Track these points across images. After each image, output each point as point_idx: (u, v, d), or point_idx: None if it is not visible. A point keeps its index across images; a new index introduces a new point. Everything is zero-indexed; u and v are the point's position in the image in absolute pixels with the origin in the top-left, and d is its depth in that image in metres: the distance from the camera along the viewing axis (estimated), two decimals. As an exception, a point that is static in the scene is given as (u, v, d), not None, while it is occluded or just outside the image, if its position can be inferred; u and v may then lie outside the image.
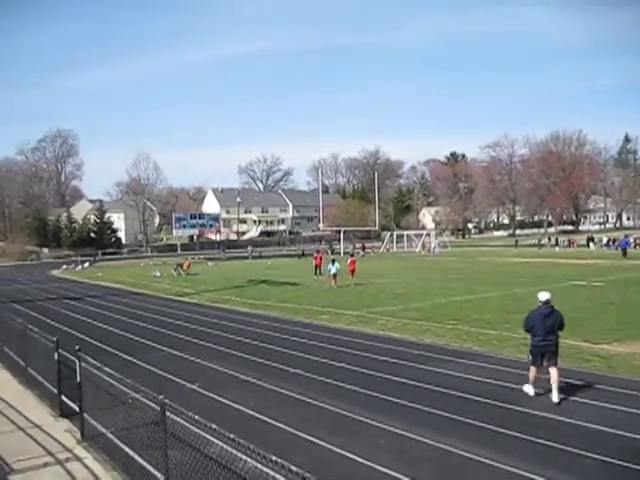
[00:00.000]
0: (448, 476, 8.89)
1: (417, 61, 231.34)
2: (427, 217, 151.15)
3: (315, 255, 48.83)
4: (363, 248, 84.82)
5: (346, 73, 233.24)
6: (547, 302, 12.50)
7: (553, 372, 12.28)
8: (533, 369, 12.60)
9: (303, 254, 77.14)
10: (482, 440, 10.07)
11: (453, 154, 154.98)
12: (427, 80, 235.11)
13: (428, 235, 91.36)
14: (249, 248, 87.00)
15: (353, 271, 37.97)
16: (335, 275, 37.13)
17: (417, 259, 67.71)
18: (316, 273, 44.83)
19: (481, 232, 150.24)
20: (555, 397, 12.12)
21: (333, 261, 38.32)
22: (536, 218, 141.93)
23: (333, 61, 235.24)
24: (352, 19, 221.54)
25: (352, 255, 46.10)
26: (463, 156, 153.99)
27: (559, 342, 12.57)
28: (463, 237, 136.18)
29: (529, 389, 12.66)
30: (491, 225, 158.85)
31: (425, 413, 11.64)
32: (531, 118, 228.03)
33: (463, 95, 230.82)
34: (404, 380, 14.19)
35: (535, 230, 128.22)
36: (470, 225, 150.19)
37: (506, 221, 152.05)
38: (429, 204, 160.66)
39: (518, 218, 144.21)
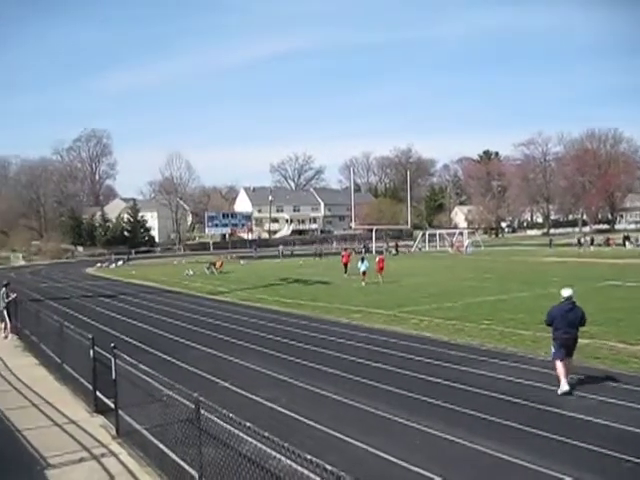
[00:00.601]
0: (482, 477, 8.82)
1: (450, 58, 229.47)
2: (460, 216, 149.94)
3: (343, 253, 49.06)
4: (396, 247, 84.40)
5: (378, 71, 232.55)
6: (569, 298, 13.02)
7: (570, 364, 13.00)
8: (559, 363, 12.88)
9: (320, 254, 76.28)
10: (516, 441, 9.97)
11: (486, 152, 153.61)
12: (459, 77, 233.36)
13: (461, 234, 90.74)
14: (280, 247, 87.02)
15: (381, 269, 38.45)
16: (365, 272, 37.91)
17: (449, 258, 67.26)
18: (345, 271, 45.11)
19: (514, 231, 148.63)
20: (566, 386, 12.58)
21: (362, 259, 39.38)
22: (570, 217, 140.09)
23: (365, 59, 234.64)
24: (385, 16, 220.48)
25: (381, 253, 46.21)
26: (496, 154, 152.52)
27: (578, 337, 13.12)
28: (496, 236, 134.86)
29: (564, 386, 12.66)
30: (525, 224, 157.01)
31: (459, 413, 11.56)
32: (566, 116, 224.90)
33: (496, 93, 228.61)
34: (438, 380, 14.11)
35: (569, 229, 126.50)
36: (503, 224, 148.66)
37: (540, 220, 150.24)
38: (462, 203, 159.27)
39: (552, 217, 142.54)
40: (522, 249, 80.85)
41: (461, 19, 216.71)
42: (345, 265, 45.66)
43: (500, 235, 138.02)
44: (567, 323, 12.88)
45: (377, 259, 40.08)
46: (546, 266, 49.47)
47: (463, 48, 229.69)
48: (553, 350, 13.14)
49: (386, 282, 37.31)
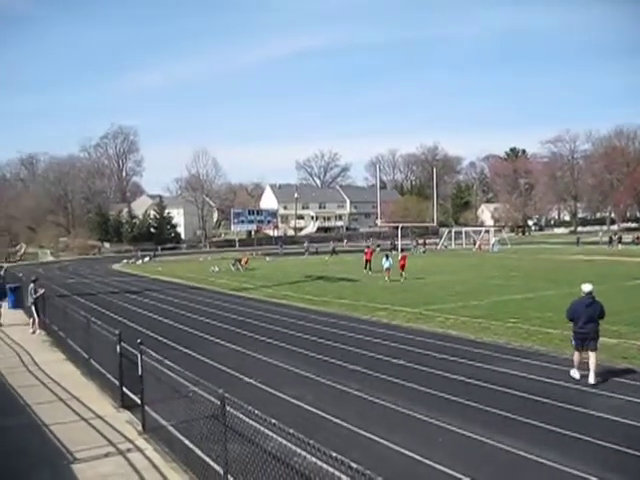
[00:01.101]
0: (508, 476, 8.77)
1: (476, 55, 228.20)
2: (486, 214, 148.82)
3: (365, 250, 49.18)
4: (424, 244, 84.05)
5: (404, 68, 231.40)
6: (589, 293, 13.71)
7: (592, 356, 13.45)
8: (577, 354, 13.83)
9: (334, 251, 74.93)
10: (542, 441, 9.90)
11: (513, 149, 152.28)
12: (486, 75, 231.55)
13: (487, 232, 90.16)
14: (305, 244, 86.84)
15: (403, 266, 39.05)
16: (388, 269, 38.64)
17: (475, 256, 66.87)
18: (366, 267, 45.46)
19: (541, 229, 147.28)
20: (592, 379, 13.25)
21: (387, 256, 40.10)
22: (598, 215, 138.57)
23: (390, 56, 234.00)
24: (410, 12, 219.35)
25: (403, 250, 46.55)
26: (523, 152, 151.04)
27: (599, 330, 13.67)
28: (523, 234, 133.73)
29: (575, 373, 13.78)
30: (552, 222, 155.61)
31: (484, 412, 11.50)
32: (593, 113, 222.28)
33: (523, 90, 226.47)
34: (463, 378, 14.04)
35: (597, 227, 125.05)
36: (530, 222, 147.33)
37: (567, 218, 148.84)
38: (488, 200, 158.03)
39: (580, 215, 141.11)
40: (549, 247, 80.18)
41: (488, 15, 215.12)
42: (367, 262, 45.86)
43: (527, 233, 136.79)
44: (586, 317, 13.52)
45: (399, 256, 40.99)
46: (573, 264, 49.02)
47: (489, 44, 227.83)
48: (573, 342, 13.98)
49: (412, 280, 37.35)
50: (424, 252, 76.13)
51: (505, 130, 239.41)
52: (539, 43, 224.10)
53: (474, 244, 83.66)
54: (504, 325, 20.73)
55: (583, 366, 13.60)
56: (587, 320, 13.51)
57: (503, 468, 9.00)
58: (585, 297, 13.69)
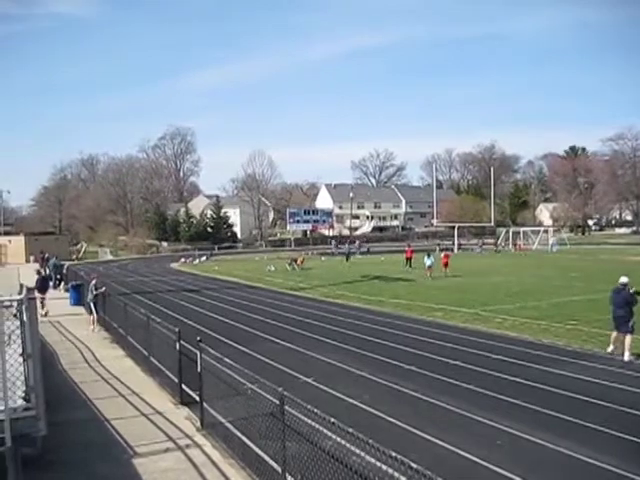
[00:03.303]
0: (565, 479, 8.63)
1: (534, 52, 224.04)
2: (544, 213, 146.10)
3: (406, 249, 52.37)
4: (482, 244, 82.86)
5: (459, 66, 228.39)
6: (623, 284, 16.23)
7: (626, 338, 15.68)
8: (614, 334, 16.18)
9: (348, 254, 65.45)
10: (604, 445, 9.71)
11: (572, 148, 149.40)
12: (544, 72, 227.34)
13: (545, 232, 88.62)
14: (356, 242, 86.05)
15: (446, 264, 41.36)
16: (430, 267, 40.42)
17: (534, 256, 65.65)
18: (406, 265, 49.10)
19: (602, 229, 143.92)
20: (626, 357, 15.57)
21: (429, 254, 42.08)
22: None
23: (446, 54, 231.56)
24: (466, 8, 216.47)
25: (446, 249, 47.06)
26: (583, 150, 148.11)
27: (628, 315, 15.76)
28: (582, 234, 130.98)
29: (609, 348, 16.30)
30: (613, 222, 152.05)
31: (543, 415, 11.33)
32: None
33: (583, 87, 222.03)
34: (521, 380, 13.86)
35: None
36: (590, 222, 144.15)
37: (629, 218, 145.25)
38: (546, 200, 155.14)
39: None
40: (610, 247, 78.38)
41: (545, 11, 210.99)
42: (408, 259, 49.71)
43: (587, 233, 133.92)
44: (617, 304, 16.09)
45: (442, 255, 43.22)
46: (636, 265, 47.74)
47: (547, 40, 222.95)
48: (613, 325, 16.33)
49: (469, 279, 37.00)
50: (486, 252, 75.14)
51: (564, 128, 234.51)
52: (597, 39, 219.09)
53: (514, 245, 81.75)
54: (564, 327, 20.40)
55: (620, 346, 15.84)
56: (617, 306, 16.03)
57: (565, 473, 8.86)
58: (618, 286, 16.26)
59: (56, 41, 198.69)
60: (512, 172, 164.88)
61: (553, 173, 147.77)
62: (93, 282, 23.80)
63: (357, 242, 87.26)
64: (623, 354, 15.65)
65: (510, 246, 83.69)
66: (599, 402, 11.97)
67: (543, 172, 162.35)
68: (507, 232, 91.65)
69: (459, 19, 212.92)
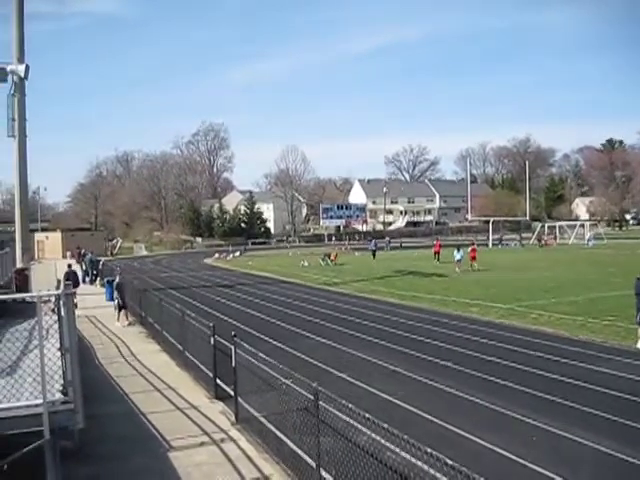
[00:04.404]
0: (605, 478, 8.48)
1: (570, 43, 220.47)
2: (581, 208, 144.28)
3: (435, 243, 54.35)
4: (521, 239, 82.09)
5: (492, 59, 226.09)
6: None
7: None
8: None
9: (375, 251, 60.99)
10: (641, 442, 9.53)
11: (609, 141, 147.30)
12: (580, 63, 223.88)
13: (582, 226, 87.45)
14: (386, 239, 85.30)
15: (474, 258, 42.33)
16: (459, 261, 41.98)
17: (571, 251, 64.78)
18: (435, 258, 50.37)
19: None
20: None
21: (458, 248, 43.32)
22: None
23: (479, 47, 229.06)
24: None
25: (473, 244, 46.82)
26: (620, 143, 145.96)
27: None
28: (620, 229, 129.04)
29: (638, 344, 16.27)
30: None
31: (581, 412, 11.18)
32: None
33: (620, 78, 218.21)
34: (558, 377, 13.70)
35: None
36: (628, 216, 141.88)
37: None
38: (583, 194, 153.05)
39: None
40: (649, 242, 77.07)
41: (584, 2, 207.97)
42: (436, 253, 50.85)
43: (624, 227, 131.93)
44: (636, 293, 16.91)
45: (469, 249, 43.59)
46: (675, 260, 46.93)
47: (585, 31, 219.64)
48: (636, 317, 16.72)
49: (504, 275, 36.83)
50: (523, 246, 74.33)
51: (601, 121, 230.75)
52: (634, 29, 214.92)
53: (539, 240, 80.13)
54: (601, 323, 20.13)
55: None
56: (636, 295, 16.86)
57: (606, 472, 8.73)
58: None
59: (88, 39, 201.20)
60: (547, 166, 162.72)
61: (589, 166, 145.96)
62: (117, 279, 24.13)
63: (387, 238, 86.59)
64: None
65: (533, 240, 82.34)
66: (639, 400, 11.77)
67: (579, 165, 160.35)
68: (542, 227, 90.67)
69: (490, 10, 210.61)
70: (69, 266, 31.24)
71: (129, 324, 23.17)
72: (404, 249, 76.38)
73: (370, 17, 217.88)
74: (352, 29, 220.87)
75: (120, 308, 23.38)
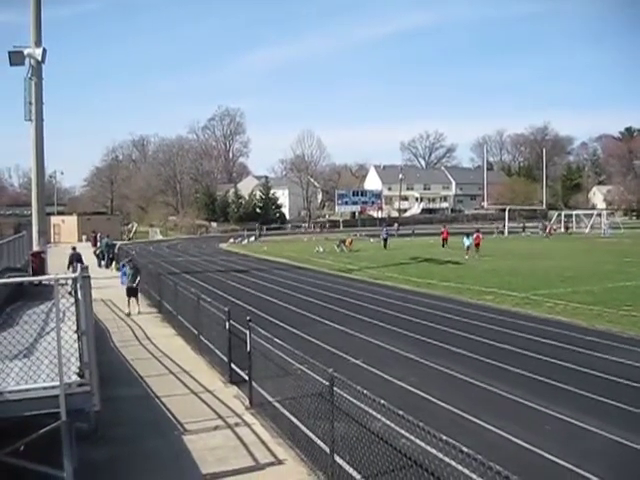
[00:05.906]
0: (619, 468, 8.44)
1: (588, 30, 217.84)
2: (598, 196, 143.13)
3: (442, 230, 55.76)
4: (550, 229, 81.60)
5: (510, 46, 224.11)
6: None
7: None
8: None
9: (386, 239, 58.58)
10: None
11: (628, 129, 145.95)
12: (599, 50, 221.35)
13: (599, 215, 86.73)
14: (395, 225, 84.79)
15: (478, 245, 43.72)
16: (468, 247, 43.41)
17: (587, 240, 64.35)
18: (443, 245, 52.38)
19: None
20: None
21: (468, 235, 44.86)
22: None
23: (496, 34, 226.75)
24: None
25: (478, 231, 46.88)
26: (639, 131, 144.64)
27: None
28: (637, 218, 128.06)
29: None
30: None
31: (596, 402, 11.13)
32: None
33: (638, 67, 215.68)
34: (574, 366, 13.63)
35: None
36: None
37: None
38: (600, 183, 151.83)
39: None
40: (666, 232, 76.48)
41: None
42: (444, 240, 52.88)
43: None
44: None
45: (474, 235, 44.43)
46: (693, 250, 46.57)
47: (602, 17, 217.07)
48: None
49: (520, 263, 36.97)
50: (545, 236, 73.88)
51: (620, 109, 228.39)
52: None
53: (544, 229, 79.09)
54: (618, 313, 19.98)
55: None
56: None
57: (619, 463, 8.68)
58: None
59: (104, 24, 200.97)
60: (565, 154, 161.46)
61: (607, 155, 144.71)
62: (127, 268, 24.20)
63: (396, 225, 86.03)
64: None
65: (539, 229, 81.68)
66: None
67: (597, 154, 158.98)
68: (559, 215, 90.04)
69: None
70: (73, 248, 31.07)
71: (138, 313, 22.36)
72: (416, 236, 76.00)
73: (387, 3, 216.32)
74: (369, 14, 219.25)
75: (130, 294, 22.65)
